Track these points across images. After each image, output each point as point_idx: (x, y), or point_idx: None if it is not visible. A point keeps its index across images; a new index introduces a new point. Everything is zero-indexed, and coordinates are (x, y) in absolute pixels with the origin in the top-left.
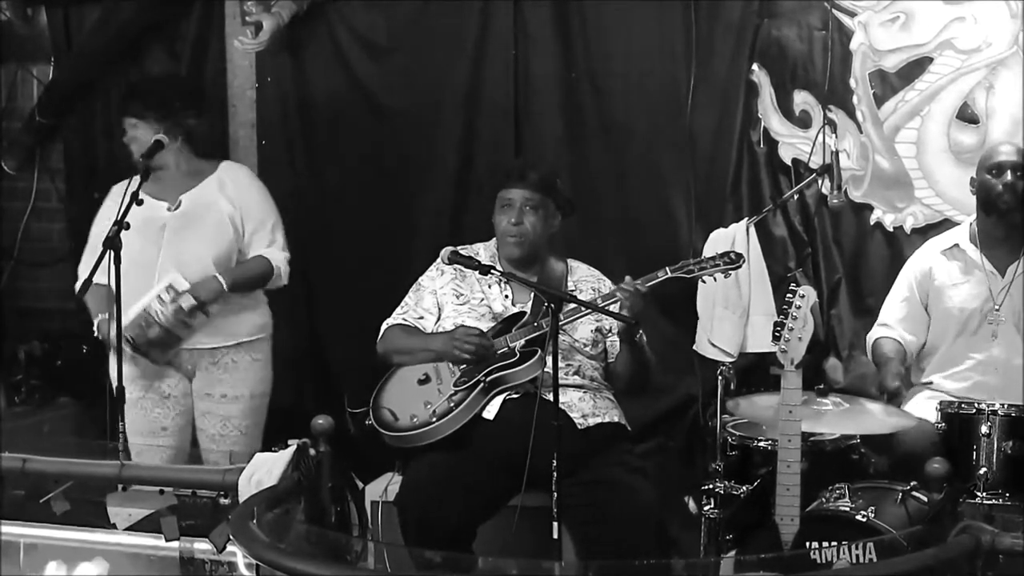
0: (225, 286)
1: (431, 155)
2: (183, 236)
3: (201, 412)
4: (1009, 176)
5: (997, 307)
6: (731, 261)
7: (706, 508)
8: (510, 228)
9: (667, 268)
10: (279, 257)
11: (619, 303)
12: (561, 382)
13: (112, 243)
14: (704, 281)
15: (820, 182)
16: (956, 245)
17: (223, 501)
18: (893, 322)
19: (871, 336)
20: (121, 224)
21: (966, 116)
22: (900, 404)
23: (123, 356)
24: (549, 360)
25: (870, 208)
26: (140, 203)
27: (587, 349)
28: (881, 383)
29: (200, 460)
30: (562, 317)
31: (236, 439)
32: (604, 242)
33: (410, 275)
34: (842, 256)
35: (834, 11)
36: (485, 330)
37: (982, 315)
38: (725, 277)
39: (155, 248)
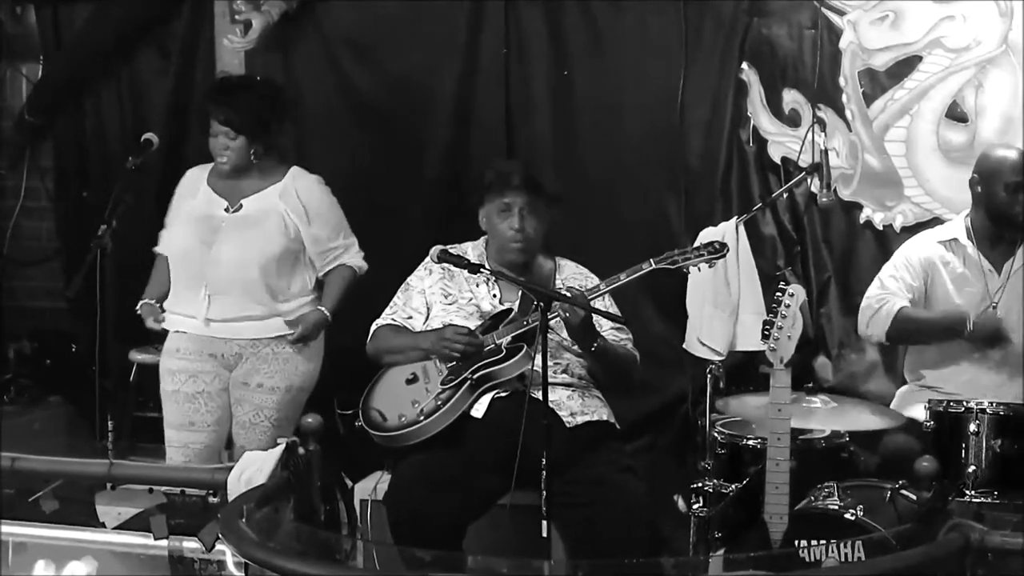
0: (329, 316)
1: (421, 155)
2: (235, 240)
3: (236, 400)
4: None
5: (994, 305)
6: (715, 251)
7: (695, 506)
8: (514, 235)
9: (651, 260)
10: (357, 260)
11: (560, 315)
12: (549, 380)
13: (100, 243)
14: (688, 271)
15: (809, 181)
16: (955, 239)
17: (212, 500)
18: (895, 290)
19: (889, 308)
20: (110, 224)
21: (955, 115)
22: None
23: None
24: (538, 358)
25: (859, 207)
26: (129, 203)
27: (575, 347)
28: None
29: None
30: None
31: (266, 430)
32: (594, 240)
33: (400, 275)
34: (831, 254)
35: (824, 10)
36: (473, 328)
37: (978, 313)
38: (710, 267)
39: (204, 246)
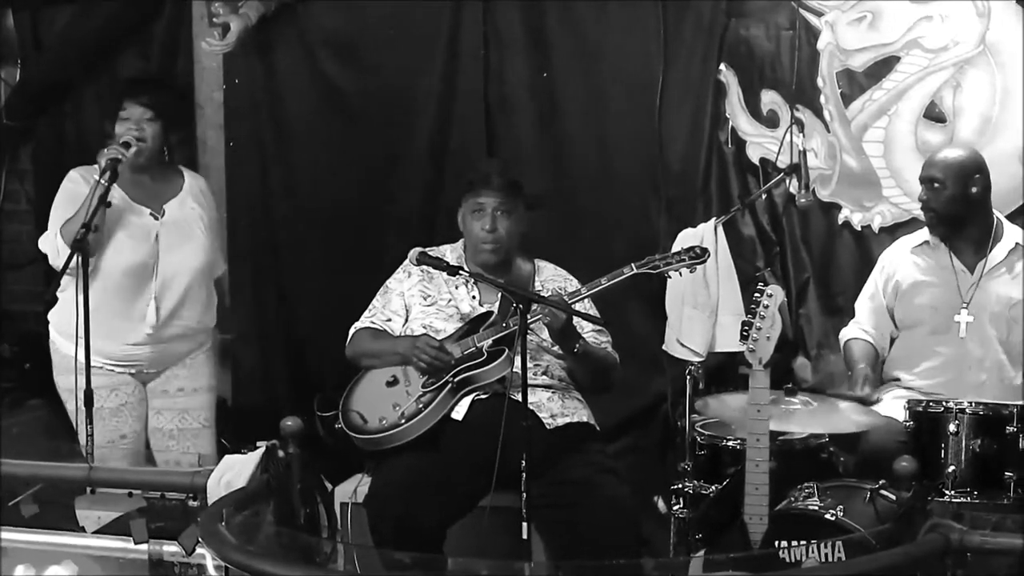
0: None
1: (402, 157)
2: (174, 248)
3: (156, 410)
4: (945, 190)
5: (966, 304)
6: (696, 256)
7: (675, 508)
8: (485, 236)
9: (632, 264)
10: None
11: (542, 319)
12: (529, 382)
13: (80, 246)
14: (670, 276)
15: (788, 181)
16: (926, 242)
17: (192, 503)
18: (863, 320)
19: (843, 335)
20: (89, 227)
21: (933, 115)
22: (873, 405)
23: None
24: (517, 360)
25: (838, 207)
26: (108, 205)
27: (555, 348)
28: (850, 389)
29: (153, 461)
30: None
31: (197, 432)
32: (574, 242)
33: (382, 277)
34: (810, 255)
35: (801, 11)
36: (452, 331)
37: (952, 312)
38: (691, 272)
39: (148, 257)
